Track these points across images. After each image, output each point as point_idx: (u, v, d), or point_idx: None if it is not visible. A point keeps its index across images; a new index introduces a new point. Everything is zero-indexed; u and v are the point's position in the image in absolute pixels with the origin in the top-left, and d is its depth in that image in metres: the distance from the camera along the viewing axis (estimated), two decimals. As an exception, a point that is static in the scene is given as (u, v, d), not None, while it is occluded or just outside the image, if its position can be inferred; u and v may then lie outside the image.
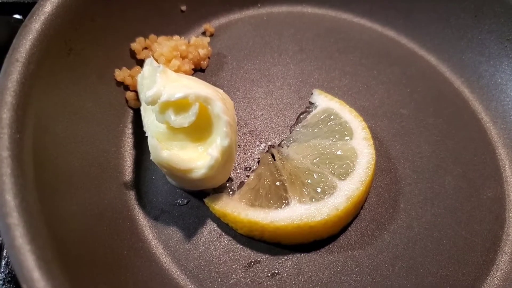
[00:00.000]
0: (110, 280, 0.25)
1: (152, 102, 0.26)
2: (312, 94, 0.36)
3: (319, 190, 0.29)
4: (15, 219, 0.22)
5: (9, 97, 0.25)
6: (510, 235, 0.31)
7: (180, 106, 0.27)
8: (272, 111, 0.35)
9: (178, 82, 0.27)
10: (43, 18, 0.28)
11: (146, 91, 0.27)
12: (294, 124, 0.35)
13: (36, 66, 0.27)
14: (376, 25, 0.41)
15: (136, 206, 0.30)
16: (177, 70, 0.33)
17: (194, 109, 0.26)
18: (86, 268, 0.24)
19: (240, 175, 0.32)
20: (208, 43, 0.37)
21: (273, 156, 0.32)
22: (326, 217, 0.28)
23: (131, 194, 0.30)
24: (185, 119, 0.26)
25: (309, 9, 0.41)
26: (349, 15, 0.41)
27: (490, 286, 0.29)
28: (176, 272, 0.28)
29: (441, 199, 0.32)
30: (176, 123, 0.27)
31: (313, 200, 0.29)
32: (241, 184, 0.31)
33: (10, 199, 0.22)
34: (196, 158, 0.27)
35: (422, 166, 0.33)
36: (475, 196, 0.33)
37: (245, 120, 0.35)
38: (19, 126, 0.24)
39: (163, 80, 0.27)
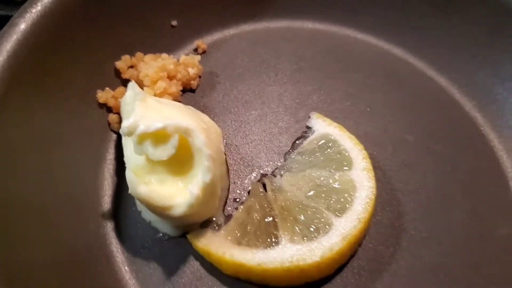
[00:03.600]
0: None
1: (129, 133, 0.24)
2: (309, 117, 0.33)
3: (312, 228, 0.26)
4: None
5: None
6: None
7: (159, 137, 0.24)
8: (266, 136, 0.33)
9: (158, 111, 0.25)
10: (15, 37, 0.26)
11: (127, 122, 0.24)
12: (289, 151, 0.32)
13: (5, 93, 0.25)
14: (382, 42, 0.38)
15: (114, 241, 0.28)
16: (163, 93, 0.31)
17: (174, 141, 0.24)
18: None
19: (228, 206, 0.29)
20: (199, 61, 0.34)
21: (264, 186, 0.30)
22: (319, 260, 0.25)
23: (109, 228, 0.28)
24: (164, 152, 0.24)
25: (309, 24, 0.39)
26: (353, 31, 0.39)
27: None
28: None
29: (448, 237, 0.29)
30: (154, 156, 0.24)
31: (306, 239, 0.26)
32: (229, 217, 0.28)
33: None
34: (176, 194, 0.24)
35: (427, 199, 0.31)
36: (487, 234, 0.30)
37: (236, 146, 0.32)
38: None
39: (142, 108, 0.25)
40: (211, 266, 0.27)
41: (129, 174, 0.24)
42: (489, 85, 0.35)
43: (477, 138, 0.34)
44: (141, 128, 0.24)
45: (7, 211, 0.23)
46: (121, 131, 0.25)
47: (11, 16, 0.36)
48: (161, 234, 0.28)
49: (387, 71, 0.37)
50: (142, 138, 0.25)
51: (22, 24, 0.27)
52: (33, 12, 0.28)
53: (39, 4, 0.28)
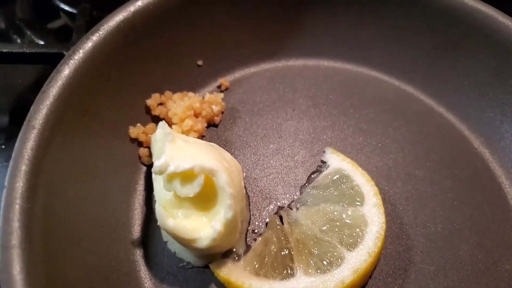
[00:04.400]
0: None
1: (160, 173, 0.27)
2: (324, 152, 0.36)
3: (326, 261, 0.28)
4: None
5: (23, 166, 0.26)
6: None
7: (186, 176, 0.27)
8: (283, 169, 0.35)
9: (185, 152, 0.28)
10: (60, 83, 0.29)
11: (155, 161, 0.27)
12: (305, 184, 0.34)
13: (51, 132, 0.28)
14: (393, 79, 0.40)
15: (143, 268, 0.30)
16: (190, 130, 0.34)
17: (200, 180, 0.26)
18: None
19: (247, 237, 0.32)
20: (222, 98, 0.37)
21: (281, 218, 0.32)
22: (331, 291, 0.27)
23: (138, 255, 0.31)
24: (190, 190, 0.27)
25: (325, 62, 0.41)
26: (365, 68, 0.41)
27: None
28: None
29: (455, 270, 0.31)
30: (182, 193, 0.27)
31: (319, 271, 0.28)
32: (248, 247, 0.31)
33: (16, 273, 0.23)
34: (200, 229, 0.27)
35: (436, 233, 0.32)
36: (493, 268, 0.31)
37: (255, 179, 0.35)
38: (30, 195, 0.25)
39: (171, 149, 0.28)
40: (231, 293, 0.29)
41: (158, 208, 0.27)
42: (497, 122, 0.37)
43: (485, 174, 0.36)
44: (171, 168, 0.27)
45: (50, 234, 0.26)
46: (153, 170, 0.27)
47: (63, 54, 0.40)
48: (185, 263, 0.30)
49: (398, 107, 0.39)
50: (172, 177, 0.27)
51: (66, 70, 0.30)
52: (76, 59, 0.31)
53: (81, 51, 0.31)
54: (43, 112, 0.28)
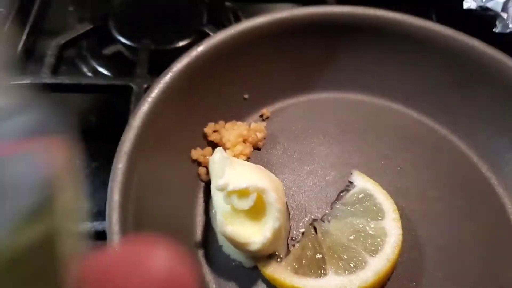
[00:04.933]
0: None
1: (221, 190, 0.34)
2: (351, 174, 0.42)
3: (352, 264, 0.35)
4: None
5: (119, 178, 0.34)
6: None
7: (242, 193, 0.34)
8: (316, 188, 0.42)
9: (241, 173, 0.35)
10: (142, 116, 0.38)
11: (217, 180, 0.35)
12: (335, 201, 0.41)
13: (135, 154, 0.36)
14: (412, 111, 0.47)
15: (204, 265, 0.37)
16: (240, 154, 0.41)
17: (253, 197, 0.34)
18: None
19: (288, 244, 0.39)
20: (264, 126, 0.45)
21: (315, 229, 0.39)
22: (356, 289, 0.34)
23: (200, 255, 0.38)
24: (245, 204, 0.34)
25: (351, 95, 0.48)
26: (387, 101, 0.48)
27: None
28: None
29: (462, 278, 0.37)
30: (238, 206, 0.34)
31: (347, 272, 0.35)
32: (288, 252, 0.38)
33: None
34: (253, 235, 0.34)
35: (445, 245, 0.38)
36: (495, 277, 0.37)
37: (292, 195, 0.41)
38: (124, 198, 0.33)
39: (230, 171, 0.35)
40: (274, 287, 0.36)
41: (219, 217, 0.34)
42: (504, 150, 0.43)
43: (491, 196, 0.41)
44: (231, 187, 0.34)
45: (138, 228, 0.33)
46: (216, 188, 0.35)
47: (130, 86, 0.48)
48: (237, 263, 0.37)
49: (415, 135, 0.45)
50: (230, 194, 0.35)
51: (145, 106, 0.38)
52: (152, 97, 0.39)
53: (156, 90, 0.39)
54: (130, 142, 0.36)
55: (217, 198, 0.37)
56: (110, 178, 0.34)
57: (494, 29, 0.48)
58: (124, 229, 0.32)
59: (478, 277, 0.37)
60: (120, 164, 0.35)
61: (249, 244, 0.34)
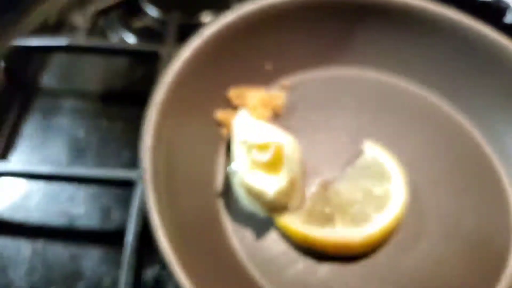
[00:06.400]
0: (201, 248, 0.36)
1: (243, 143, 0.38)
2: (363, 143, 0.45)
3: (359, 218, 0.38)
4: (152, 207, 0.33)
5: (150, 130, 0.37)
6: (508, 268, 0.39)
7: (262, 147, 0.38)
8: (329, 154, 0.45)
9: (262, 130, 0.39)
10: (173, 75, 0.41)
11: (240, 135, 0.38)
12: (346, 166, 0.44)
13: (166, 109, 0.39)
14: (426, 92, 0.50)
15: (223, 214, 0.41)
16: (261, 116, 0.45)
17: (271, 150, 0.37)
18: (191, 241, 0.35)
19: (300, 200, 0.42)
20: (284, 95, 0.48)
21: (326, 188, 0.42)
22: (361, 240, 0.37)
23: (219, 204, 0.41)
24: (264, 157, 0.37)
25: (368, 71, 0.51)
26: (403, 80, 0.50)
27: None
28: (245, 259, 0.39)
29: (458, 240, 0.40)
30: (257, 159, 0.37)
31: (354, 225, 0.38)
32: (300, 207, 0.41)
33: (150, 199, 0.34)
34: (269, 185, 0.37)
35: (445, 211, 0.41)
36: (488, 241, 0.40)
37: (307, 158, 0.45)
38: (156, 149, 0.37)
39: (253, 128, 0.38)
40: (285, 236, 0.39)
41: (239, 170, 0.38)
42: (507, 132, 0.45)
43: (491, 173, 0.45)
44: (251, 140, 0.37)
45: (168, 176, 0.37)
46: (238, 142, 0.38)
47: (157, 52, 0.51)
48: (253, 214, 0.41)
49: (426, 114, 0.48)
50: (251, 147, 0.38)
51: (177, 65, 0.41)
52: (182, 59, 0.42)
53: (187, 52, 0.42)
54: (161, 95, 0.39)
55: (238, 153, 0.40)
56: (144, 124, 0.37)
57: (504, 20, 0.50)
58: (156, 175, 0.35)
59: (471, 241, 0.40)
60: (153, 112, 0.38)
61: (265, 193, 0.37)
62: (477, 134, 0.47)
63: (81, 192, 0.47)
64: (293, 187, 0.38)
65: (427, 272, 0.38)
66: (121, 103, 0.56)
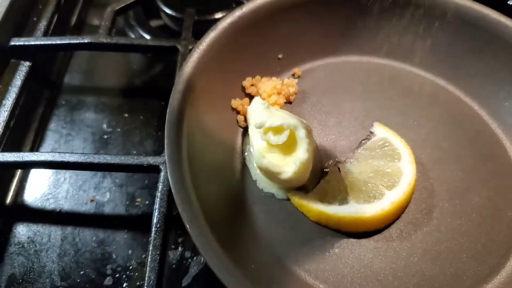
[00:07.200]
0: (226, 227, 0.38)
1: (259, 127, 0.40)
2: (373, 125, 0.47)
3: (371, 195, 0.40)
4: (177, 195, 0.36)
5: (173, 120, 0.40)
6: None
7: (277, 130, 0.40)
8: (341, 136, 0.47)
9: (276, 114, 0.41)
10: (191, 66, 0.43)
11: (256, 119, 0.40)
12: (357, 147, 0.46)
13: (186, 96, 0.41)
14: (429, 75, 0.51)
15: (245, 192, 0.43)
16: (274, 103, 0.47)
17: (286, 133, 0.39)
18: (218, 221, 0.37)
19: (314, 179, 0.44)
20: (296, 83, 0.50)
21: (339, 169, 0.44)
22: (374, 215, 0.39)
23: (241, 185, 0.44)
24: (279, 139, 0.39)
25: (375, 60, 0.53)
26: (408, 65, 0.52)
27: (499, 280, 0.38)
28: (261, 232, 0.41)
29: (468, 214, 0.42)
30: (273, 141, 0.40)
31: (366, 202, 0.40)
32: (315, 185, 0.43)
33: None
34: (285, 165, 0.40)
35: (454, 187, 0.43)
36: (497, 214, 0.42)
37: (320, 141, 0.47)
38: (178, 138, 0.39)
39: (267, 113, 0.41)
40: (301, 214, 0.41)
41: (256, 152, 0.40)
42: (510, 107, 0.47)
43: (498, 149, 0.46)
44: (267, 124, 0.40)
45: (196, 166, 0.39)
46: (254, 125, 0.41)
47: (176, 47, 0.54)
48: (270, 195, 0.43)
49: (431, 96, 0.50)
50: (267, 130, 0.40)
51: (195, 57, 0.44)
52: (200, 50, 0.44)
53: (204, 44, 0.45)
54: (182, 85, 0.42)
55: (255, 137, 0.43)
56: (167, 113, 0.40)
57: (508, 2, 0.52)
58: (179, 160, 0.38)
59: (482, 214, 0.42)
60: (175, 101, 0.41)
61: (281, 173, 0.39)
62: (483, 113, 0.49)
63: (106, 181, 0.50)
64: (307, 168, 0.40)
65: (439, 246, 0.40)
66: (141, 96, 0.58)
